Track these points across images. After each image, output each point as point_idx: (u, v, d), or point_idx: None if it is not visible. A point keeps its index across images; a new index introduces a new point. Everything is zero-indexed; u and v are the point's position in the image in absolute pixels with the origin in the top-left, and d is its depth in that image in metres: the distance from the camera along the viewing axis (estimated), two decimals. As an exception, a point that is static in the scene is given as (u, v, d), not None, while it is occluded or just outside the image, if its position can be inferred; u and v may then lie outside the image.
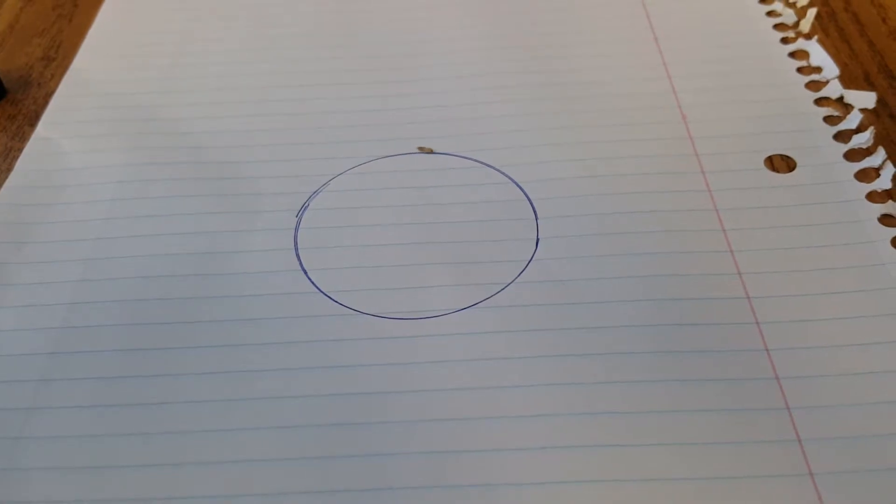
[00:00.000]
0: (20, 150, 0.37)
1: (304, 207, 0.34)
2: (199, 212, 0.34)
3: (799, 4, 0.42)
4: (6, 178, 0.36)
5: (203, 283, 0.31)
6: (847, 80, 0.38)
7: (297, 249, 0.32)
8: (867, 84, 0.38)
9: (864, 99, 0.36)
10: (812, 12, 0.40)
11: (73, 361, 0.29)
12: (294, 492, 0.25)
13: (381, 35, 0.43)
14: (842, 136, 0.35)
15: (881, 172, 0.33)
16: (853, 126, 0.35)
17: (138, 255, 0.32)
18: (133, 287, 0.31)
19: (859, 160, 0.34)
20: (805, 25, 0.41)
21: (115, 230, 0.33)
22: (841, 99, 0.37)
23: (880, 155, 0.34)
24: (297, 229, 0.33)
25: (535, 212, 0.33)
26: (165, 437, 0.27)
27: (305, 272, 0.31)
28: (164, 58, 0.42)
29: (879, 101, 0.37)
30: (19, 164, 0.36)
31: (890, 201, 0.32)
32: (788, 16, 0.41)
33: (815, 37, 0.40)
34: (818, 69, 0.38)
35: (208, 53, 0.42)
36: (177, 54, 0.42)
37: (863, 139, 0.34)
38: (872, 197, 0.32)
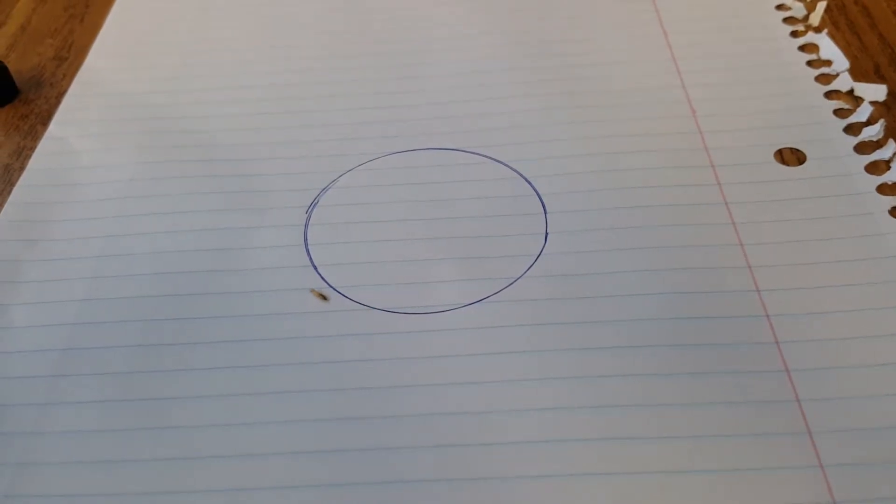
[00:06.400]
0: (32, 149, 0.38)
1: (313, 204, 0.34)
2: (210, 209, 0.34)
3: (808, -2, 0.42)
4: (19, 176, 0.36)
5: (213, 279, 0.31)
6: (857, 73, 0.38)
7: (306, 245, 0.32)
8: (877, 77, 0.38)
9: (875, 92, 0.36)
10: (822, 5, 0.40)
11: (86, 357, 0.29)
12: (305, 485, 0.25)
13: (390, 31, 0.43)
14: (852, 129, 0.35)
15: (891, 165, 0.33)
16: (863, 119, 0.35)
17: (149, 252, 0.33)
18: (144, 284, 0.31)
19: (869, 153, 0.34)
20: (815, 19, 0.41)
21: (126, 228, 0.34)
22: (851, 92, 0.37)
23: (890, 147, 0.33)
24: (306, 225, 0.33)
25: (543, 206, 0.33)
26: (177, 432, 0.27)
27: (315, 268, 0.32)
28: (175, 57, 0.42)
29: (890, 93, 0.36)
30: (32, 163, 0.37)
31: (901, 194, 0.32)
32: (798, 9, 0.41)
33: (825, 30, 0.39)
34: (828, 62, 0.38)
35: (218, 52, 0.42)
36: (187, 53, 0.42)
37: (873, 132, 0.34)
38: (883, 189, 0.32)
